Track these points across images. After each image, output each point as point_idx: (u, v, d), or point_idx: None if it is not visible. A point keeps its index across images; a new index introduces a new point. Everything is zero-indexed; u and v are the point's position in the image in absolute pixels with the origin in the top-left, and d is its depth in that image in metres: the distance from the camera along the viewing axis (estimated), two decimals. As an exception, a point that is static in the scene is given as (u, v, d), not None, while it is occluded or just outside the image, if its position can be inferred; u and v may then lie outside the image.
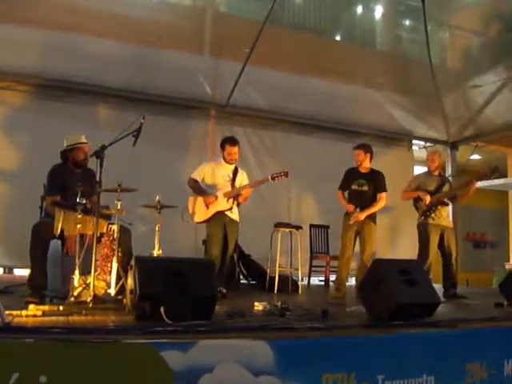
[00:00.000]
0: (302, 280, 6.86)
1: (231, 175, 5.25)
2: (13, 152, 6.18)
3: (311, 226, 7.28)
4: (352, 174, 5.42)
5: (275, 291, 5.72)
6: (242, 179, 5.32)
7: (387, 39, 7.95)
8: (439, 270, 5.85)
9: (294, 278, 6.24)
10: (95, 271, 3.71)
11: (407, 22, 7.90)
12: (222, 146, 5.29)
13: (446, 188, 5.88)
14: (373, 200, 5.30)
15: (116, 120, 6.23)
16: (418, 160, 9.08)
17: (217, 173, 5.22)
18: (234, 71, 6.84)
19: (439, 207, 5.77)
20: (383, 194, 5.34)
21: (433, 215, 5.74)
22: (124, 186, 4.20)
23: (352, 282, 6.62)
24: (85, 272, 3.81)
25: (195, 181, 5.21)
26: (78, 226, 3.89)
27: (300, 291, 6.00)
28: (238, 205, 5.27)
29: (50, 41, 5.96)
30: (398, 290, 3.43)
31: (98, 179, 3.80)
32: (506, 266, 9.89)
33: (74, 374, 2.26)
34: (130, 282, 3.35)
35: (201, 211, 5.14)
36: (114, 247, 4.08)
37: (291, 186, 7.52)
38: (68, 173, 4.40)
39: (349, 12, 7.46)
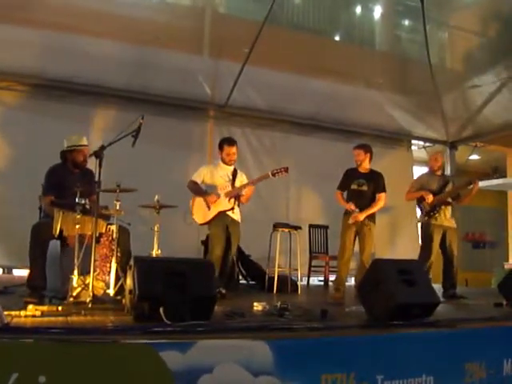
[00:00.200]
0: (302, 280, 6.85)
1: (231, 176, 5.25)
2: (13, 152, 6.18)
3: (310, 226, 7.27)
4: (352, 174, 5.42)
5: (274, 291, 5.72)
6: (242, 180, 5.32)
7: (386, 39, 7.95)
8: (439, 270, 5.86)
9: (293, 278, 6.24)
10: (94, 271, 3.71)
11: (406, 22, 7.90)
12: (221, 147, 5.28)
13: (449, 187, 5.89)
14: (372, 200, 5.30)
15: (115, 120, 6.23)
16: (418, 160, 9.10)
17: (216, 174, 5.22)
18: (233, 71, 6.84)
19: (443, 207, 5.78)
20: (382, 195, 5.34)
21: (436, 215, 5.74)
22: (123, 186, 4.20)
23: (351, 282, 6.61)
24: (84, 272, 3.80)
25: (195, 183, 5.21)
26: (77, 226, 3.89)
27: (299, 291, 5.99)
28: (239, 205, 5.27)
29: (50, 41, 5.96)
30: (397, 290, 3.43)
31: (97, 179, 3.81)
32: (505, 266, 9.89)
33: (73, 374, 2.25)
34: (128, 282, 3.35)
35: (203, 212, 5.13)
36: (113, 247, 4.08)
37: (290, 187, 7.53)
38: (67, 173, 4.41)
39: (348, 12, 7.46)
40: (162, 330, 2.68)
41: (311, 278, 7.29)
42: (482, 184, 6.08)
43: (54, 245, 4.17)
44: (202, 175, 5.23)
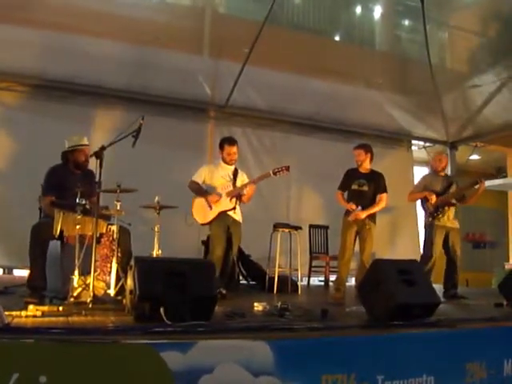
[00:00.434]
0: (302, 280, 6.85)
1: (232, 176, 5.24)
2: (13, 153, 6.19)
3: (311, 226, 7.27)
4: (352, 174, 5.41)
5: (275, 291, 5.72)
6: (243, 180, 5.31)
7: (386, 39, 7.95)
8: (440, 270, 5.85)
9: (293, 278, 6.24)
10: (95, 272, 3.71)
11: (406, 22, 7.90)
12: (221, 147, 5.28)
13: (453, 189, 5.86)
14: (372, 201, 5.30)
15: (115, 121, 6.23)
16: (418, 160, 9.10)
17: (217, 174, 5.22)
18: (234, 72, 6.84)
19: (446, 208, 5.77)
20: (384, 195, 5.34)
21: (440, 216, 5.73)
22: (123, 186, 4.20)
23: (352, 282, 6.62)
24: (84, 272, 3.80)
25: (196, 183, 5.21)
26: (78, 226, 3.89)
27: (299, 291, 5.99)
28: (240, 205, 5.26)
29: (50, 41, 5.97)
30: (398, 290, 3.43)
31: (97, 180, 3.80)
32: (506, 266, 9.88)
33: (74, 375, 2.26)
34: (129, 282, 3.35)
35: (204, 213, 5.12)
36: (114, 248, 4.08)
37: (291, 187, 7.53)
38: (67, 173, 4.41)
39: (348, 12, 7.46)
40: (162, 331, 2.68)
41: (311, 278, 7.29)
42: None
43: (55, 245, 4.17)
44: (202, 175, 5.23)
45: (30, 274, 4.06)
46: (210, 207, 5.10)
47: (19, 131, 6.21)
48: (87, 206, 3.96)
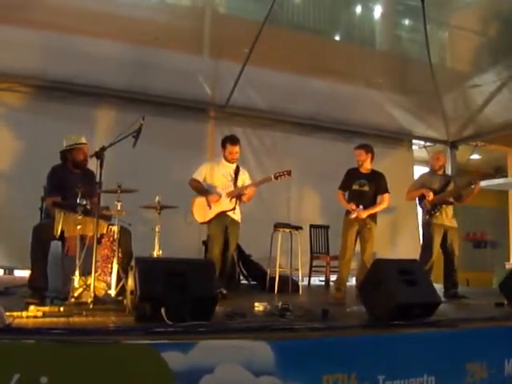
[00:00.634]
0: (303, 280, 6.86)
1: (233, 174, 5.24)
2: (14, 153, 6.19)
3: (311, 226, 7.27)
4: (353, 174, 5.41)
5: (275, 291, 5.72)
6: (244, 178, 5.32)
7: (386, 39, 7.94)
8: (440, 270, 5.85)
9: (294, 278, 6.24)
10: (95, 272, 3.71)
11: (406, 22, 7.89)
12: (223, 145, 5.28)
13: (450, 187, 5.88)
14: (373, 201, 5.30)
15: (116, 121, 6.24)
16: (418, 160, 9.09)
17: (218, 172, 5.22)
18: (234, 72, 6.84)
19: (444, 206, 5.77)
20: (386, 196, 5.33)
21: (437, 214, 5.73)
22: (124, 186, 4.19)
23: (352, 282, 6.62)
24: (85, 273, 3.80)
25: (197, 181, 5.21)
26: (78, 227, 3.89)
27: (300, 291, 6.00)
28: (239, 204, 5.26)
29: (50, 42, 5.96)
30: (398, 290, 3.44)
31: (98, 180, 3.81)
32: (506, 266, 9.88)
33: (75, 375, 2.26)
34: (130, 282, 3.36)
35: (204, 212, 5.13)
36: (115, 248, 4.08)
37: (291, 187, 7.52)
38: (67, 173, 4.41)
39: (348, 12, 7.45)
40: (163, 331, 2.68)
41: (312, 278, 7.30)
42: (482, 184, 6.08)
43: (56, 245, 4.17)
44: (203, 173, 5.23)
45: (31, 275, 4.07)
46: (210, 207, 5.10)
47: (21, 132, 6.22)
48: (88, 207, 3.96)
